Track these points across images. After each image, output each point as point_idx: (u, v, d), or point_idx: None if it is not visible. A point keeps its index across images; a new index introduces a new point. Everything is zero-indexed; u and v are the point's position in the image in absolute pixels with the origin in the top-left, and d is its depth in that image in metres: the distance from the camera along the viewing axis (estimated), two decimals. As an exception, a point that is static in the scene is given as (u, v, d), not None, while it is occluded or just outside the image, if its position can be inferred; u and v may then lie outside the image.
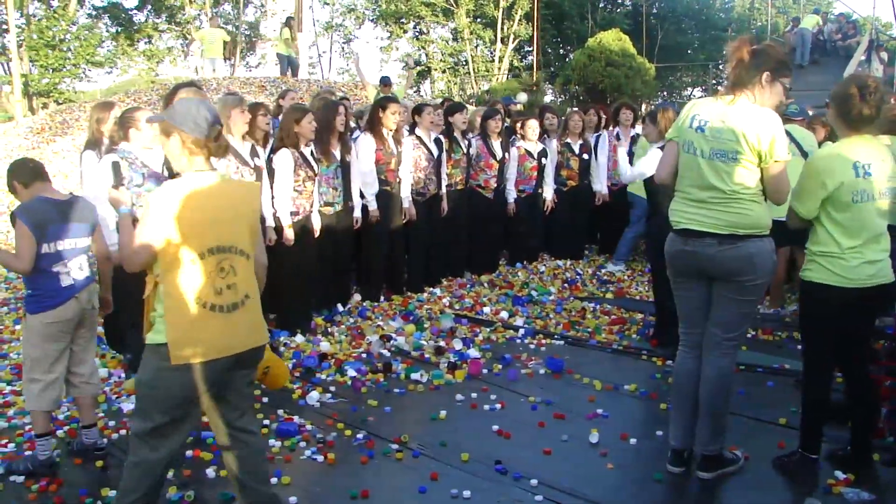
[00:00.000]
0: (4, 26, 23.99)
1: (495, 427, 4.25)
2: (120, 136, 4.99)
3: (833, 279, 3.48)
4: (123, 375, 5.10)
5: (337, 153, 6.30)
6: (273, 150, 5.91)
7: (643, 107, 19.07)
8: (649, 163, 5.70)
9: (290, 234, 5.81)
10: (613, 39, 21.55)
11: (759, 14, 34.02)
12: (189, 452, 3.93)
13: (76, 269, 3.92)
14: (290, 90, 8.44)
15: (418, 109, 7.28)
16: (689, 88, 36.16)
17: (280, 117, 6.35)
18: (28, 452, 3.94)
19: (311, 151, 6.02)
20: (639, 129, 8.51)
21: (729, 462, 3.68)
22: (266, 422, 4.34)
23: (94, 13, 28.35)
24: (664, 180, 3.73)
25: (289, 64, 16.74)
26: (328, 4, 34.34)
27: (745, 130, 3.34)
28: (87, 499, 3.48)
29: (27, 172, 3.95)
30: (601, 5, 31.83)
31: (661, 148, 5.62)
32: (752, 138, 3.32)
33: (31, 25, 23.84)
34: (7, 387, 4.96)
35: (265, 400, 4.71)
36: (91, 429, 3.98)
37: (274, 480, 3.61)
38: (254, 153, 5.61)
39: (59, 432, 4.24)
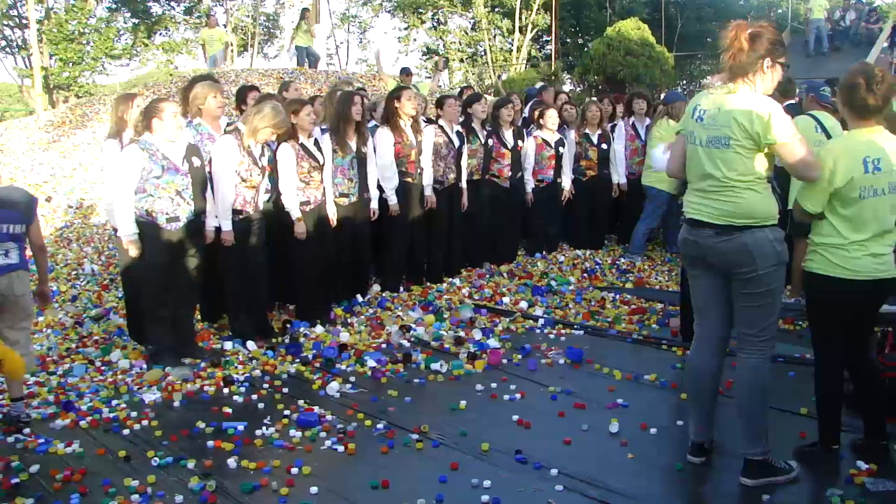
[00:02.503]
0: (24, 20, 24.17)
1: (515, 417, 4.25)
2: (144, 125, 5.04)
3: (836, 270, 3.43)
4: (145, 366, 5.14)
5: (353, 144, 6.31)
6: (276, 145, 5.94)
7: (661, 96, 18.93)
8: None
9: (300, 227, 5.85)
10: (632, 28, 21.43)
11: (780, 0, 33.55)
12: (210, 443, 3.97)
13: (1, 255, 4.22)
14: (291, 82, 8.42)
15: (440, 102, 7.29)
16: (708, 77, 35.79)
17: None
18: None
19: (315, 141, 6.04)
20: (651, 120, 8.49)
21: (779, 471, 3.50)
22: (286, 412, 4.36)
23: (113, 6, 28.48)
24: (674, 173, 3.71)
25: (307, 55, 16.74)
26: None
27: (737, 115, 3.28)
28: (109, 488, 3.51)
29: None
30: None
31: None
32: (744, 122, 3.26)
33: (51, 19, 23.99)
34: (31, 378, 5.01)
35: (285, 390, 4.74)
36: (17, 402, 4.27)
37: (294, 471, 3.64)
38: (262, 153, 5.61)
39: (83, 423, 4.29)
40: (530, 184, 8.02)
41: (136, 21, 28.56)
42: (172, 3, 29.83)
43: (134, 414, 4.39)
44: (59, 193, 10.80)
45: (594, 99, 9.36)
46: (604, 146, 8.43)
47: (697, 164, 3.44)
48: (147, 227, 5.02)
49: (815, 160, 3.35)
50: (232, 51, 23.09)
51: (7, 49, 26.66)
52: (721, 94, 3.40)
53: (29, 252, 4.62)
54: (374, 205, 6.60)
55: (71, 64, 23.33)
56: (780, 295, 3.46)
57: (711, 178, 3.37)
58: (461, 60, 30.71)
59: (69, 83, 23.33)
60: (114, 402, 4.59)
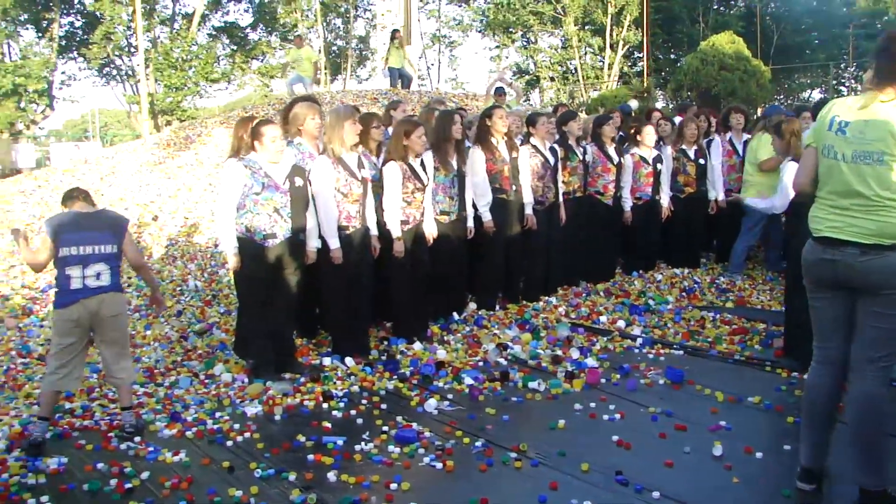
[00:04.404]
0: (133, 49, 25.38)
1: (615, 437, 4.17)
2: (249, 145, 5.23)
3: None
4: (246, 380, 5.27)
5: (454, 162, 6.35)
6: (384, 162, 6.01)
7: (758, 111, 18.42)
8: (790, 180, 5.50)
9: (398, 246, 5.89)
10: (727, 42, 20.96)
11: (887, 7, 32.11)
12: (310, 456, 4.03)
13: (91, 277, 4.35)
14: (400, 101, 8.56)
15: (531, 120, 7.25)
16: (807, 91, 34.66)
17: (391, 128, 6.44)
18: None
19: (421, 162, 6.07)
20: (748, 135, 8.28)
21: None
22: (385, 428, 4.40)
23: (213, 33, 29.64)
24: (804, 188, 3.49)
25: (400, 76, 16.97)
26: (435, 17, 34.83)
27: (893, 128, 3.09)
28: (215, 497, 3.61)
29: (64, 196, 4.67)
30: (713, 7, 30.99)
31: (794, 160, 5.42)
32: None
33: (157, 47, 25.11)
34: (140, 388, 5.20)
35: (384, 407, 4.78)
36: (126, 411, 4.50)
37: (393, 486, 3.66)
38: (360, 164, 5.70)
39: (189, 433, 4.42)
40: (629, 202, 7.91)
41: (235, 47, 29.63)
42: (269, 30, 30.83)
43: (237, 426, 4.50)
44: (165, 213, 11.21)
45: (692, 115, 9.14)
46: (701, 161, 8.26)
47: (841, 181, 3.24)
48: (246, 243, 5.16)
49: None
50: (323, 70, 23.61)
51: (117, 77, 28.06)
52: (871, 104, 3.20)
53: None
54: (470, 223, 6.60)
55: (174, 89, 24.36)
56: None
57: (859, 197, 3.18)
58: (552, 79, 30.66)
59: (173, 108, 24.35)
60: (217, 415, 4.72)
